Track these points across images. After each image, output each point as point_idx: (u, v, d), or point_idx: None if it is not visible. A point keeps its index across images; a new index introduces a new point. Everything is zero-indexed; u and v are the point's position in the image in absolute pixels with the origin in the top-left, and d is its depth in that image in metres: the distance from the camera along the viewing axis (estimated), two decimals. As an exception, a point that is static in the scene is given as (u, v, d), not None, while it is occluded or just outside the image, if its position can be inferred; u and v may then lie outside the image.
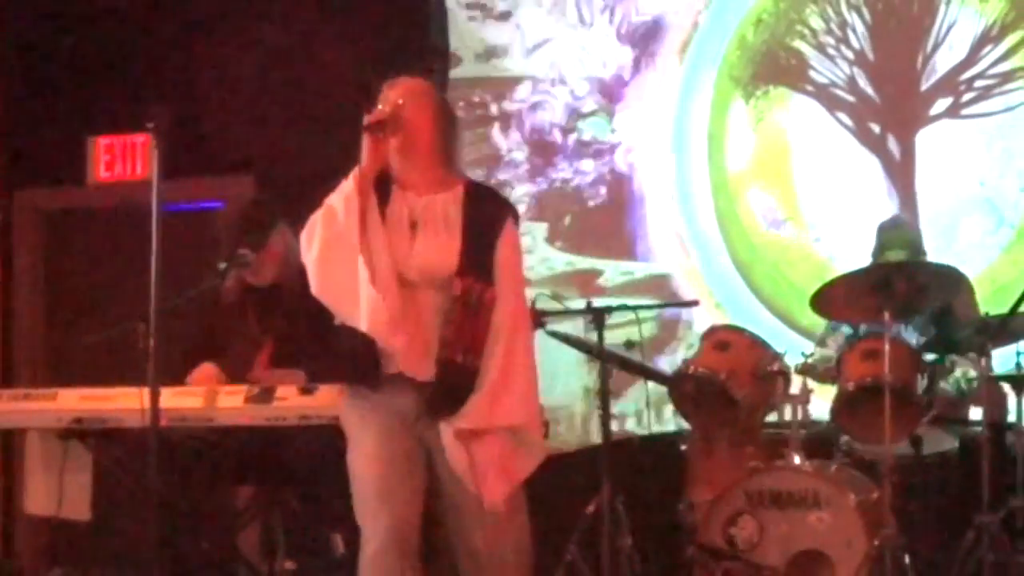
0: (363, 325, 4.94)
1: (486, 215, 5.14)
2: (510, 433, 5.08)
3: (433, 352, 5.01)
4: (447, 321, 5.01)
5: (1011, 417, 6.44)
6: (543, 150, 8.60)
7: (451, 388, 5.01)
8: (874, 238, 7.07)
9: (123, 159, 9.24)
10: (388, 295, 4.91)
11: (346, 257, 4.94)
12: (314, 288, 5.01)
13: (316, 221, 5.02)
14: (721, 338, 6.68)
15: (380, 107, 5.08)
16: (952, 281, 6.49)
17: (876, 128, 8.04)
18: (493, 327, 5.04)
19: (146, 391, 5.47)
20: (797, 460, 6.32)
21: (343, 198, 4.97)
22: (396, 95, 5.10)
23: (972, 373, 6.65)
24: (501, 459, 5.06)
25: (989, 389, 6.48)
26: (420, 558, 5.11)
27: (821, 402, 6.62)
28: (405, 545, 5.04)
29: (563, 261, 8.51)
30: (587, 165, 8.46)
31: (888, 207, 7.74)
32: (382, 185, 5.07)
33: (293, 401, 6.02)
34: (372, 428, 5.08)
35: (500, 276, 5.09)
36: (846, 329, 7.00)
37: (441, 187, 5.15)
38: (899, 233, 7.04)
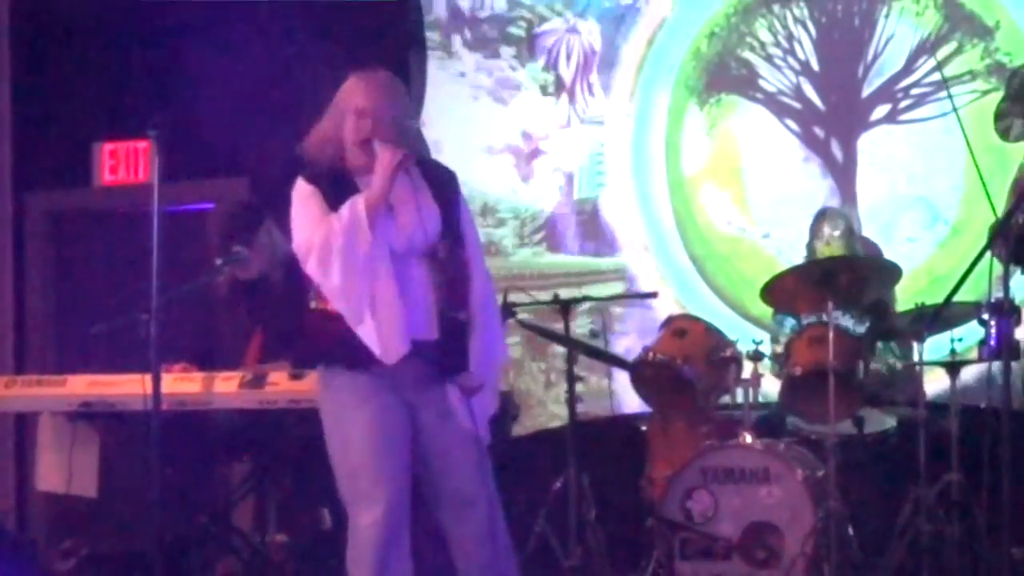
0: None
1: (443, 181, 5.07)
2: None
3: (431, 314, 4.91)
4: (439, 284, 4.93)
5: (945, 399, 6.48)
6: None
7: (455, 345, 4.93)
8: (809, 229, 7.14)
9: (126, 164, 9.21)
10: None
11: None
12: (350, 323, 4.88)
13: (334, 253, 4.81)
14: (678, 326, 6.69)
15: (396, 150, 4.87)
16: (891, 274, 6.51)
17: (820, 133, 8.05)
18: (474, 284, 4.98)
19: (148, 377, 5.46)
20: (749, 439, 6.34)
21: (357, 229, 4.79)
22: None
23: (898, 366, 6.71)
24: (488, 407, 5.07)
25: (915, 374, 6.50)
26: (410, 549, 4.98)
27: (771, 385, 6.66)
28: (398, 521, 4.87)
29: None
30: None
31: (832, 206, 7.73)
32: (344, 186, 4.93)
33: (284, 386, 6.02)
34: (369, 404, 4.91)
35: (466, 235, 5.05)
36: (790, 321, 7.01)
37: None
38: (831, 218, 7.09)
